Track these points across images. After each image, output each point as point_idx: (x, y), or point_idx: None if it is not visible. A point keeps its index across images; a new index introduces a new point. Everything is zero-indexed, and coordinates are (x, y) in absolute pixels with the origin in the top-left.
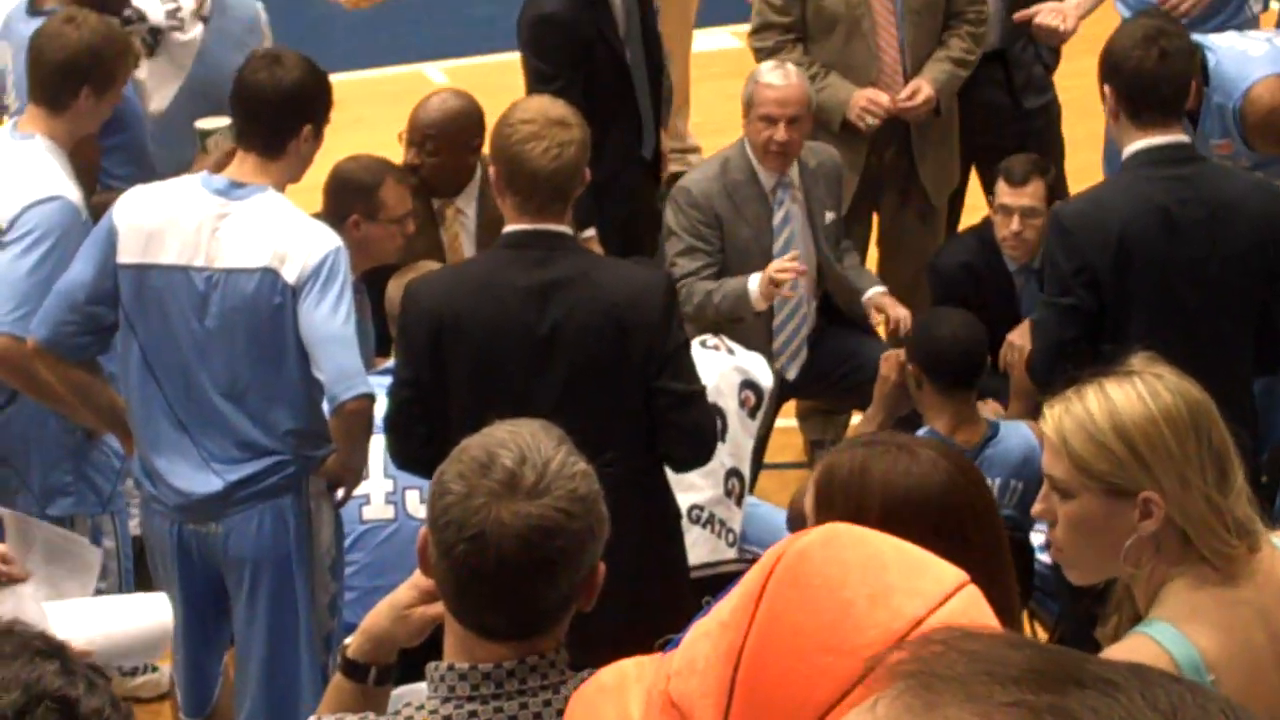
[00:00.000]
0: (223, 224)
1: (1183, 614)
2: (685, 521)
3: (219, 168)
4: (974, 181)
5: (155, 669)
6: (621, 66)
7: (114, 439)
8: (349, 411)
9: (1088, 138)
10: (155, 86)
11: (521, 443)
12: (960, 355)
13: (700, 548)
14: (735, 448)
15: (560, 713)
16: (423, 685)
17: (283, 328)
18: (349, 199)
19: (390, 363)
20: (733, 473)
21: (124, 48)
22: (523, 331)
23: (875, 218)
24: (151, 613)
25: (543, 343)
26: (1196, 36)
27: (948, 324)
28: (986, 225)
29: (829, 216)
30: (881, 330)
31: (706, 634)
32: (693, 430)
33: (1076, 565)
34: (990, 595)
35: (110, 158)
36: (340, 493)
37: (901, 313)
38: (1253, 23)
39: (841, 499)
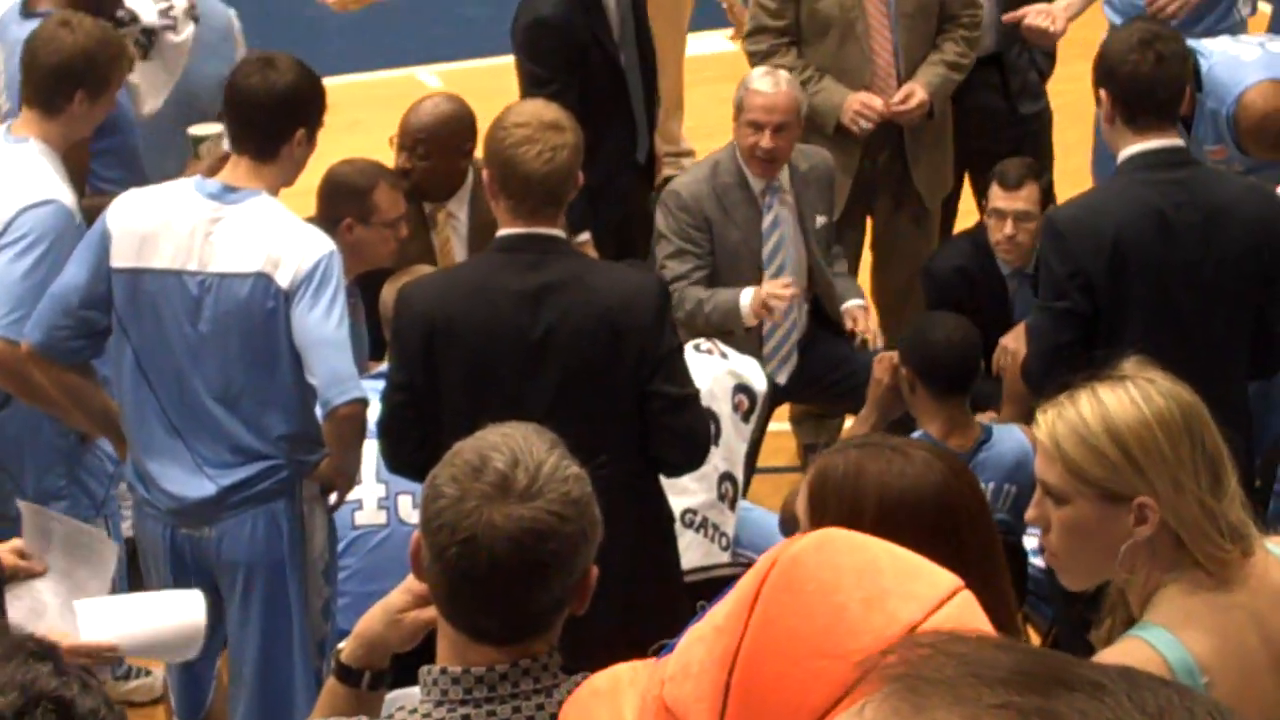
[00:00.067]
0: (216, 228)
1: (1176, 618)
2: (678, 525)
3: (212, 174)
4: (967, 185)
5: (149, 673)
6: (616, 70)
7: (107, 443)
8: (342, 416)
9: (1079, 142)
10: (149, 89)
11: (514, 446)
12: (954, 360)
13: (693, 551)
14: (728, 452)
15: (553, 716)
16: (416, 689)
17: (276, 332)
18: (342, 202)
19: (383, 367)
20: (726, 476)
21: (118, 52)
22: (516, 335)
23: (869, 222)
24: (185, 610)
25: (536, 346)
26: (1190, 42)
27: (942, 329)
28: (980, 229)
29: (820, 220)
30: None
31: (701, 639)
32: (686, 434)
33: (1071, 570)
34: (985, 596)
35: (100, 161)
36: (333, 497)
37: (872, 327)
38: (1240, 26)
39: (835, 501)
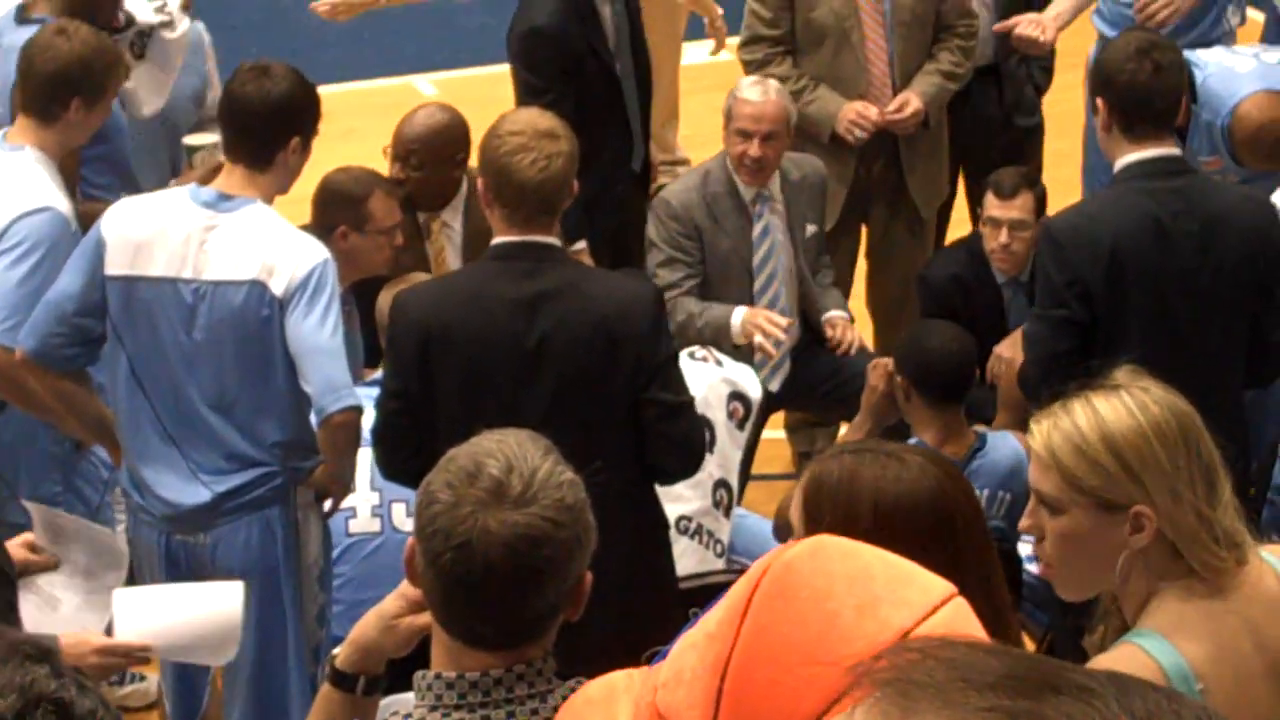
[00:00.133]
0: (210, 236)
1: (1171, 624)
2: (673, 532)
3: (205, 182)
4: (962, 193)
5: (143, 678)
6: (612, 79)
7: (102, 450)
8: (336, 424)
9: (1069, 152)
10: (147, 90)
11: (509, 452)
12: (950, 369)
13: (688, 558)
14: (723, 459)
15: None
16: (410, 695)
17: (270, 340)
18: (337, 210)
19: (378, 374)
20: (721, 484)
21: (115, 59)
22: (511, 343)
23: (864, 230)
24: (224, 603)
25: (531, 354)
26: (1185, 54)
27: (937, 337)
28: (975, 238)
29: (810, 229)
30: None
31: (693, 645)
32: (682, 441)
33: (1067, 581)
34: (980, 602)
35: (91, 167)
36: (328, 504)
37: (849, 338)
38: (1230, 35)
39: (830, 506)
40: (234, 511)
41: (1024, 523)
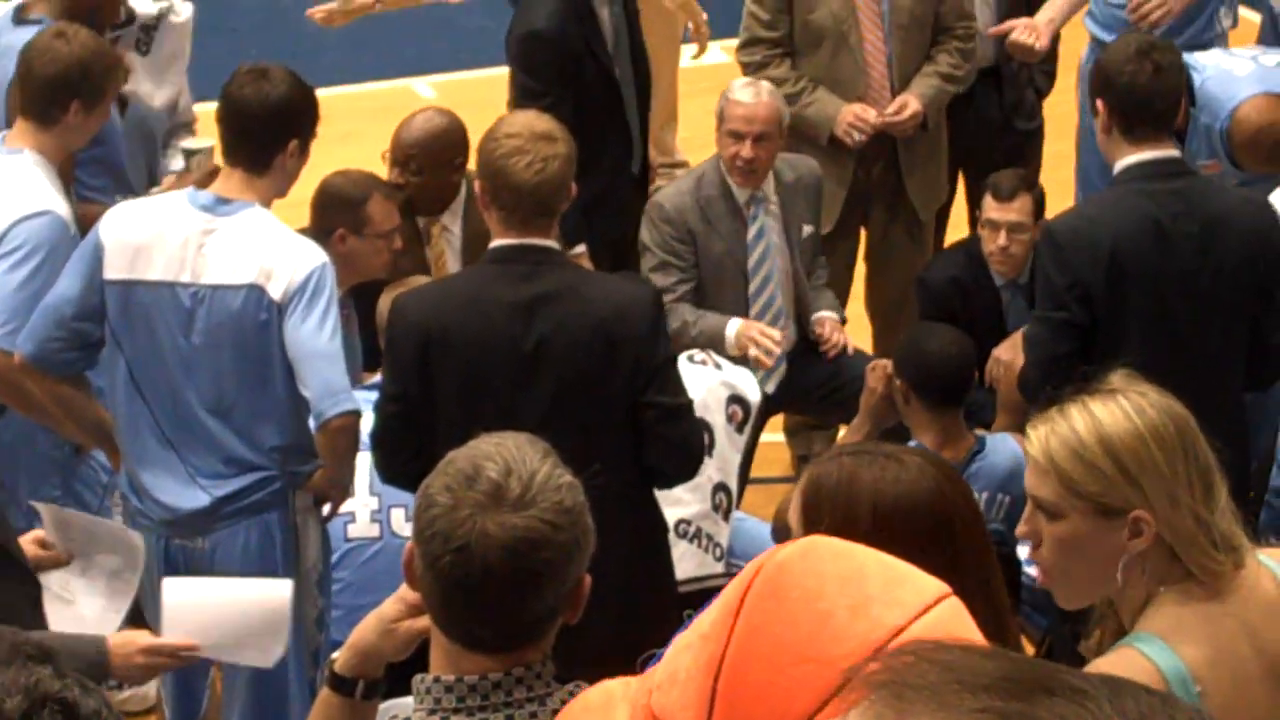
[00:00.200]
0: (209, 240)
1: (1169, 627)
2: (672, 536)
3: (202, 186)
4: (961, 195)
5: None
6: (611, 82)
7: (102, 454)
8: (335, 428)
9: (1067, 154)
10: (157, 80)
11: (507, 455)
12: (949, 372)
13: (687, 562)
14: (723, 462)
15: None
16: (409, 699)
17: (269, 344)
18: (335, 213)
19: (377, 378)
20: (720, 487)
21: (114, 63)
22: (509, 346)
23: (863, 233)
24: (272, 601)
25: (529, 357)
26: (1183, 56)
27: (937, 341)
28: (974, 240)
29: (806, 230)
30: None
31: (687, 646)
32: (681, 444)
33: (1066, 587)
34: (979, 605)
35: (86, 170)
36: (327, 508)
37: (836, 339)
38: (1222, 37)
39: (829, 508)
40: (232, 516)
41: (1021, 529)
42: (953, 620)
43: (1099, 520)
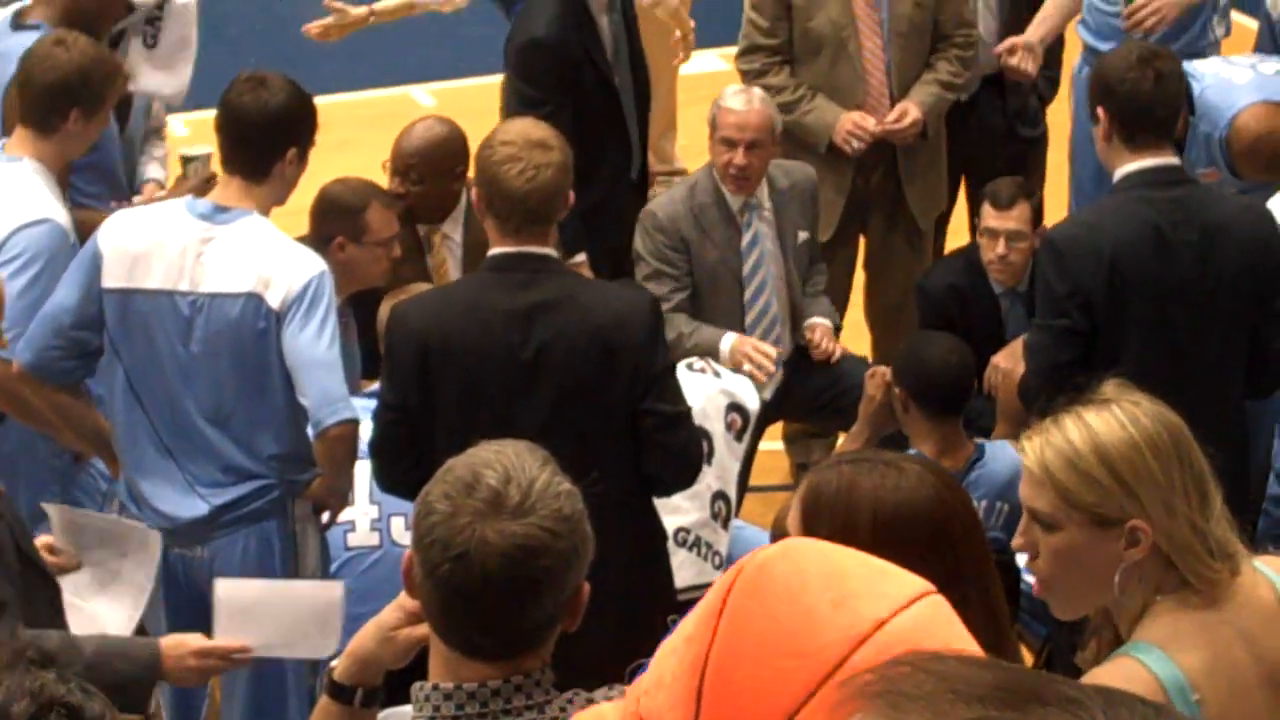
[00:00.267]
0: (207, 248)
1: (1166, 636)
2: (671, 544)
3: (199, 194)
4: (962, 202)
5: None
6: (610, 90)
7: (101, 462)
8: (333, 437)
9: (1059, 165)
10: (167, 71)
11: (506, 462)
12: (949, 381)
13: (686, 570)
14: (721, 470)
15: None
16: (408, 707)
17: (267, 352)
18: (334, 221)
19: (376, 386)
20: (719, 495)
21: (113, 70)
22: (507, 354)
23: (862, 240)
24: (325, 601)
25: (528, 365)
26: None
27: (936, 350)
28: (973, 248)
29: (801, 236)
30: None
31: (672, 650)
32: (680, 452)
33: (1063, 598)
34: (979, 610)
35: (81, 176)
36: (325, 516)
37: (828, 345)
38: (1215, 46)
39: (829, 516)
40: (231, 524)
41: (1017, 541)
42: (936, 616)
43: (1095, 531)
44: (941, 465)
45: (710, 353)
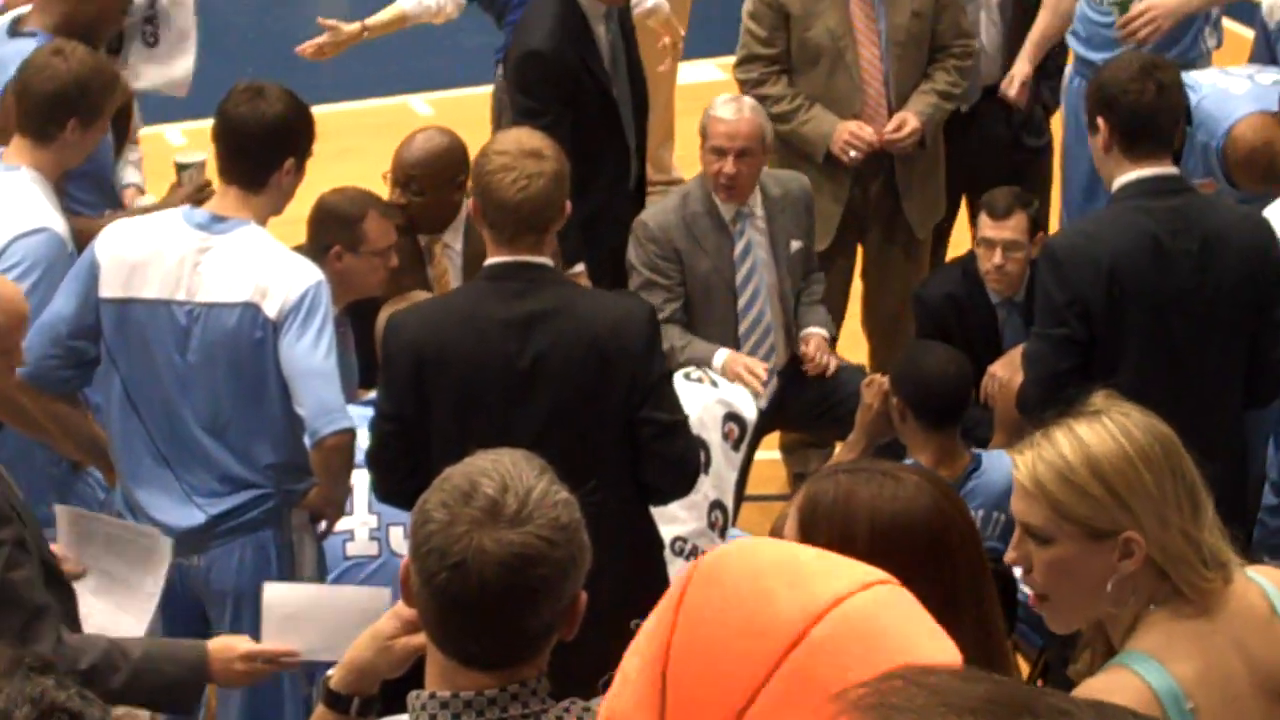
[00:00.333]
0: (204, 258)
1: (1160, 645)
2: (668, 553)
3: (187, 201)
4: (964, 211)
5: None
6: (608, 100)
7: (99, 471)
8: (329, 446)
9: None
10: (171, 64)
11: (503, 471)
12: (947, 392)
13: None
14: (718, 480)
15: None
16: (405, 716)
17: (264, 362)
18: (331, 230)
19: (373, 394)
20: (716, 505)
21: (111, 80)
22: (503, 363)
23: (859, 250)
24: (370, 605)
25: (524, 374)
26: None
27: (934, 360)
28: (971, 257)
29: (795, 245)
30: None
31: (635, 650)
32: (677, 460)
33: (1059, 611)
34: (974, 621)
35: (75, 184)
36: (322, 526)
37: (823, 359)
38: (1206, 57)
39: (826, 525)
40: (228, 533)
41: (1010, 555)
42: (898, 599)
43: (1089, 543)
44: (940, 476)
45: (703, 368)
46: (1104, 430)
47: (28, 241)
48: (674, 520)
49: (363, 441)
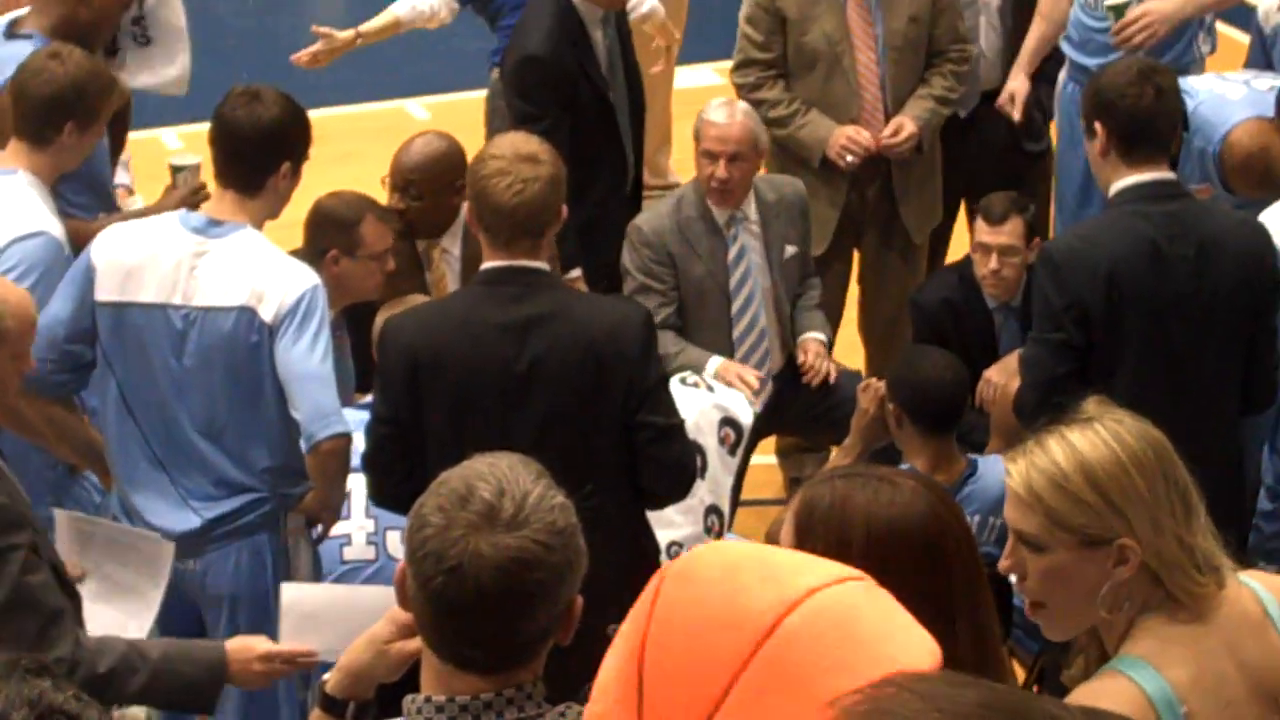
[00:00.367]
0: (201, 262)
1: (1154, 649)
2: (664, 559)
3: (182, 205)
4: (963, 219)
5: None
6: (605, 104)
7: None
8: (325, 451)
9: None
10: (167, 60)
11: (500, 475)
12: (943, 398)
13: None
14: (714, 485)
15: None
16: None
17: (260, 366)
18: (328, 234)
19: (370, 398)
20: (712, 509)
21: (108, 83)
22: (500, 368)
23: (856, 254)
24: (387, 605)
25: (521, 379)
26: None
27: (931, 366)
28: (968, 262)
29: (789, 251)
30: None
31: (612, 652)
32: (673, 465)
33: (1055, 619)
34: (969, 626)
35: (69, 186)
36: (318, 530)
37: (822, 366)
38: (1200, 63)
39: (822, 530)
40: (224, 537)
41: (1004, 563)
42: (872, 594)
43: (1084, 551)
44: (936, 481)
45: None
46: (1097, 437)
47: (25, 245)
48: (670, 525)
49: (360, 445)
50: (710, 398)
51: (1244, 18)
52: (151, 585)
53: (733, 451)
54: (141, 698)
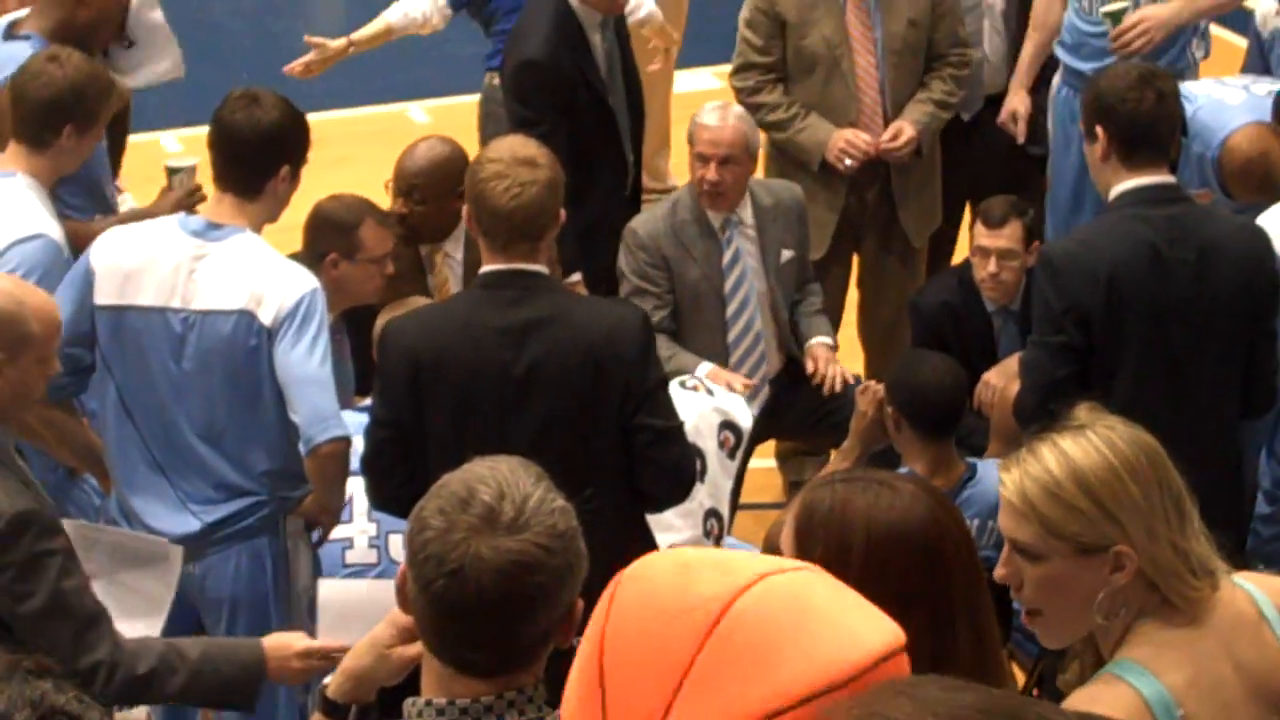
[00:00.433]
0: (200, 265)
1: (1150, 653)
2: None
3: (178, 208)
4: (966, 223)
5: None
6: (604, 108)
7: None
8: (324, 454)
9: None
10: (156, 56)
11: (500, 478)
12: (942, 401)
13: None
14: (714, 488)
15: None
16: None
17: (259, 369)
18: (327, 237)
19: (369, 401)
20: (711, 513)
21: (107, 86)
22: (499, 371)
23: (855, 258)
24: None
25: (520, 382)
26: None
27: (929, 370)
28: (967, 266)
29: (785, 255)
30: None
31: (576, 658)
32: (672, 467)
33: (1051, 627)
34: (968, 629)
35: (66, 188)
36: (318, 533)
37: (833, 371)
38: (1194, 68)
39: (823, 535)
40: (223, 541)
41: (999, 572)
42: (822, 581)
43: (1080, 559)
44: (935, 485)
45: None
46: (1089, 444)
47: (24, 248)
48: (669, 528)
49: (359, 448)
50: (710, 401)
51: (1241, 22)
52: (163, 587)
53: (732, 455)
54: (182, 697)
